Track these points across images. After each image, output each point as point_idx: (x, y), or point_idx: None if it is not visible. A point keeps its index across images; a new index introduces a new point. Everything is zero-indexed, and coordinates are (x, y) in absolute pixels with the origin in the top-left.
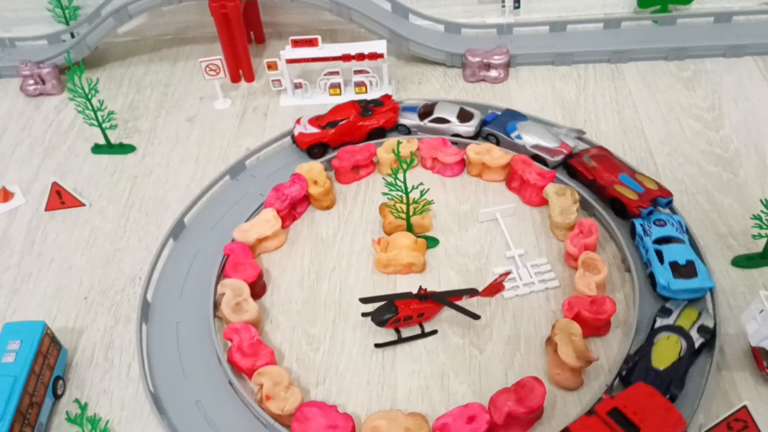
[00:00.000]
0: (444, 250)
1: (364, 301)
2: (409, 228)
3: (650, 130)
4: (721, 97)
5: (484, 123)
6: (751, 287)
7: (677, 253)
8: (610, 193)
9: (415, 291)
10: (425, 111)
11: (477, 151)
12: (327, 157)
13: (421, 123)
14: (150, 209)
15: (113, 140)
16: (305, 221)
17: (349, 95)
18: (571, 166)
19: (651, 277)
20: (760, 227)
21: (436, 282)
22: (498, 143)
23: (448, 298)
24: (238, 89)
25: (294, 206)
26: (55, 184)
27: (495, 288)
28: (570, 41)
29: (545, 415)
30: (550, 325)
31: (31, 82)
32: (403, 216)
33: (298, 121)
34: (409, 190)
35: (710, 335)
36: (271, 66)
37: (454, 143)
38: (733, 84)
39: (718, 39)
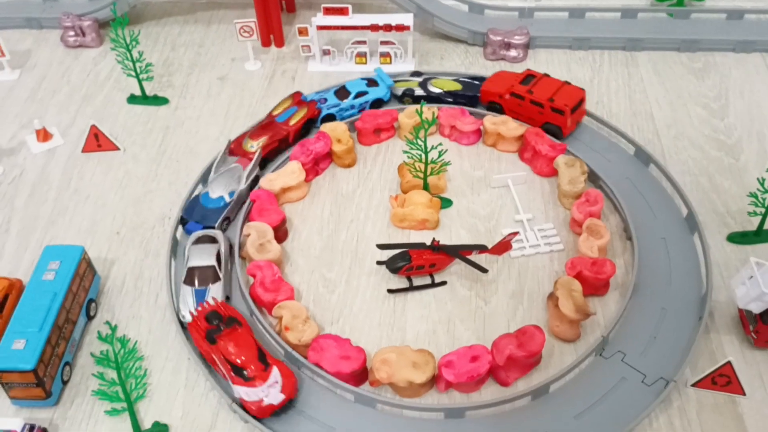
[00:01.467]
0: (456, 210)
1: (381, 246)
2: (426, 187)
3: (658, 115)
4: (728, 89)
5: (184, 222)
6: (743, 261)
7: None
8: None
9: (429, 243)
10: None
11: (494, 121)
12: (351, 118)
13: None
14: (180, 157)
15: (148, 92)
16: (327, 177)
17: (374, 64)
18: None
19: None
20: (756, 204)
21: (447, 239)
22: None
23: (459, 252)
24: (268, 53)
25: (317, 162)
26: (93, 127)
27: (503, 247)
28: (588, 27)
29: (543, 363)
30: (553, 283)
31: (72, 33)
32: (421, 175)
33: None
34: (428, 150)
35: None
36: (302, 32)
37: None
38: (741, 77)
39: (729, 34)
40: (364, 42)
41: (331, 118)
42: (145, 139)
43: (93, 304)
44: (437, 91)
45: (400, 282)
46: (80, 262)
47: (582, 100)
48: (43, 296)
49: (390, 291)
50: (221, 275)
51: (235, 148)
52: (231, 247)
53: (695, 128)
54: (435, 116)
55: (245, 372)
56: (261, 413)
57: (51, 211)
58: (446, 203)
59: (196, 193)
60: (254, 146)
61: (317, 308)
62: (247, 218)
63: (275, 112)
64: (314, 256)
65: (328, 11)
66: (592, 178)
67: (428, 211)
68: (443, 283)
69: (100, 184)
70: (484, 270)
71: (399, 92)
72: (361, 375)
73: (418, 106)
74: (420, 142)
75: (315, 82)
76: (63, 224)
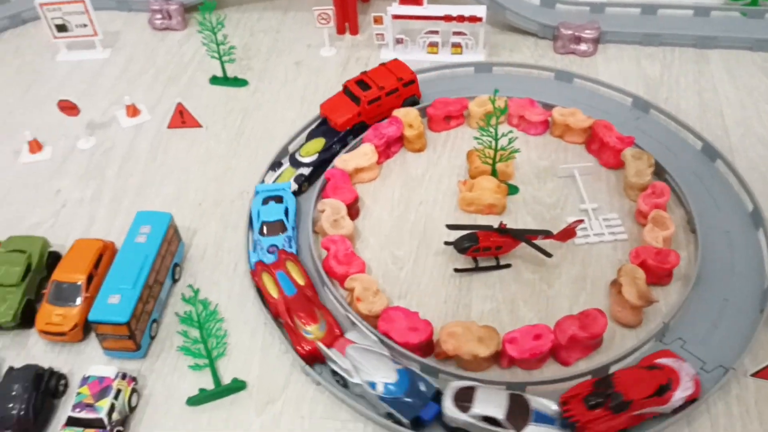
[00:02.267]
0: (523, 197)
1: (451, 227)
2: (494, 173)
3: (728, 112)
4: None
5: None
6: None
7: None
8: None
9: (496, 226)
10: None
11: (562, 113)
12: (422, 105)
13: None
14: (258, 137)
15: (229, 74)
16: (397, 161)
17: (445, 55)
18: None
19: None
20: None
21: (513, 225)
22: None
23: (525, 236)
24: (342, 40)
25: (389, 145)
26: (179, 104)
27: (568, 233)
28: (659, 24)
29: (603, 346)
30: (616, 272)
31: (159, 16)
32: (490, 161)
33: None
34: (498, 137)
35: None
36: (378, 20)
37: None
38: None
39: None
40: (437, 32)
41: None
42: (225, 119)
43: (178, 268)
44: (308, 160)
45: (467, 262)
46: (169, 228)
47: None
48: (136, 256)
49: (456, 270)
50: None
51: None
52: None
53: (765, 127)
54: (506, 105)
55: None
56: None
57: (139, 182)
58: (513, 190)
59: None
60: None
61: (386, 283)
62: (322, 195)
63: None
64: (384, 235)
65: (404, 1)
66: (659, 171)
67: (496, 196)
68: (508, 265)
69: (184, 159)
70: (548, 254)
71: (294, 186)
72: (427, 347)
73: (490, 95)
74: (491, 130)
75: None
76: (149, 195)
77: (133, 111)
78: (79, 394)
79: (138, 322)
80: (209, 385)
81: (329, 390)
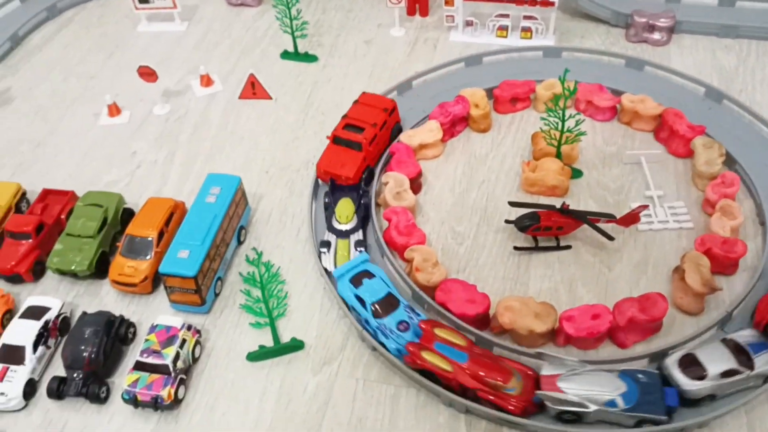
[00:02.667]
0: (586, 181)
1: (513, 204)
2: (559, 155)
3: None
4: None
5: None
6: None
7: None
8: None
9: (558, 206)
10: None
11: (631, 99)
12: (489, 86)
13: None
14: (326, 110)
15: (300, 50)
16: (462, 139)
17: (514, 39)
18: None
19: None
20: None
21: (575, 208)
22: None
23: (587, 218)
24: (412, 21)
25: (454, 124)
26: (251, 75)
27: (631, 218)
28: (737, 15)
29: (663, 331)
30: (679, 259)
31: None
32: (555, 143)
33: None
34: (565, 119)
35: None
36: (449, 2)
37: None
38: None
39: None
40: (507, 15)
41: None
42: (294, 92)
43: (243, 231)
44: (351, 225)
45: (526, 241)
46: (237, 191)
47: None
48: (206, 215)
49: (516, 248)
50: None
51: None
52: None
53: None
54: (576, 86)
55: None
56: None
57: (210, 148)
58: (577, 173)
59: None
60: None
61: (445, 257)
62: (386, 168)
63: None
64: (445, 210)
65: None
66: (729, 161)
67: (559, 178)
68: (568, 246)
69: (254, 128)
70: (610, 237)
71: (366, 254)
72: (483, 320)
73: (559, 75)
74: (559, 110)
75: (456, 51)
76: (220, 160)
77: (206, 81)
78: (147, 340)
79: (204, 277)
80: (269, 343)
81: (384, 356)
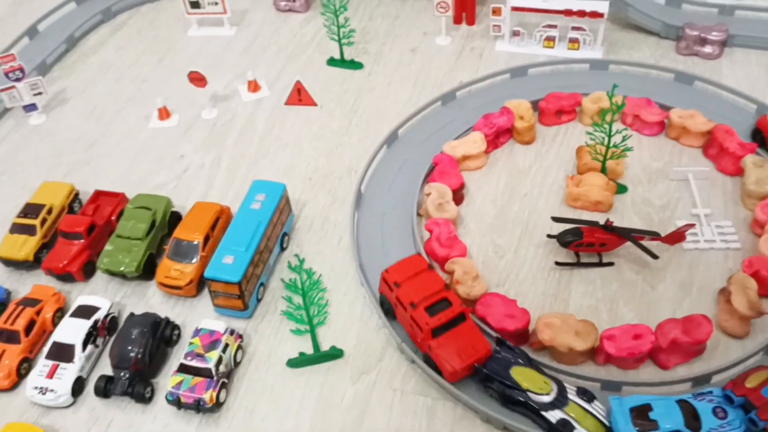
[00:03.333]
0: (631, 197)
1: (556, 219)
2: (603, 170)
3: None
4: None
5: None
6: None
7: None
8: None
9: (602, 223)
10: None
11: (680, 114)
12: (534, 98)
13: None
14: (370, 117)
15: (346, 57)
16: (505, 151)
17: (561, 50)
18: None
19: None
20: None
21: (619, 224)
22: None
23: (631, 235)
24: (458, 30)
25: (498, 135)
26: (298, 82)
27: (677, 237)
28: None
29: (706, 353)
30: (726, 280)
31: None
32: (600, 158)
33: None
34: (611, 134)
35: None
36: (496, 11)
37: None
38: None
39: None
40: (555, 26)
41: None
42: (339, 98)
43: (286, 237)
44: (550, 396)
45: (568, 257)
46: (282, 198)
47: None
48: (250, 222)
49: (557, 263)
50: None
51: None
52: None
53: None
54: (623, 102)
55: None
56: None
57: (255, 153)
58: (621, 189)
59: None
60: None
61: (485, 270)
62: (428, 179)
63: None
64: (486, 223)
65: None
66: None
67: (604, 193)
68: (611, 263)
69: (298, 134)
70: (654, 256)
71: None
72: (522, 335)
73: (607, 90)
74: (605, 125)
75: (501, 61)
76: (264, 165)
77: (254, 86)
78: (191, 344)
79: (248, 283)
80: (309, 350)
81: (422, 368)
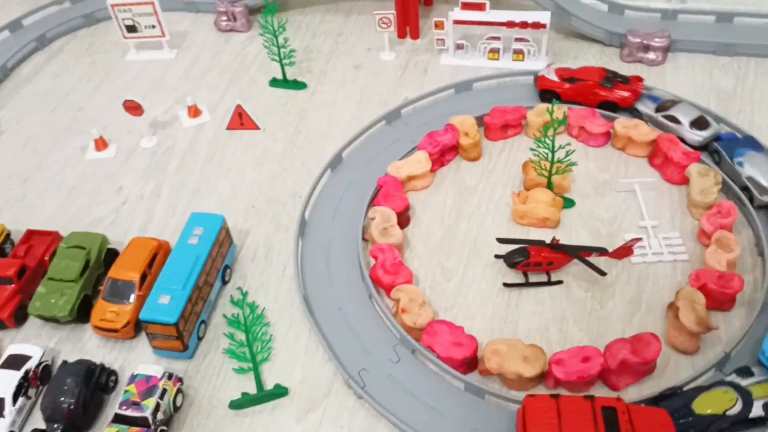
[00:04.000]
0: (579, 211)
1: (501, 240)
2: (549, 186)
3: None
4: None
5: (717, 138)
6: None
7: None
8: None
9: (548, 241)
10: (663, 106)
11: (625, 125)
12: (479, 113)
13: (654, 114)
14: (314, 139)
15: (288, 76)
16: (451, 169)
17: (506, 61)
18: None
19: None
20: None
21: (567, 239)
22: (719, 162)
23: (578, 252)
24: (403, 44)
25: (444, 153)
26: (239, 106)
27: (624, 251)
28: (735, 33)
29: (657, 372)
30: (674, 293)
31: (225, 18)
32: (546, 174)
33: (548, 65)
34: (555, 149)
35: None
36: (439, 25)
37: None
38: None
39: None
40: (498, 38)
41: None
42: (283, 120)
43: (228, 270)
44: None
45: (516, 277)
46: (220, 231)
47: None
48: (188, 258)
49: (506, 285)
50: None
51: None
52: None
53: None
54: (565, 116)
55: None
56: None
57: (196, 181)
58: (569, 203)
59: None
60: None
61: (433, 294)
62: (373, 203)
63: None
64: (434, 244)
65: (466, 6)
66: (726, 189)
67: (550, 210)
68: (559, 282)
69: (240, 160)
70: (602, 273)
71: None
72: (471, 363)
73: (549, 105)
74: (548, 141)
75: (446, 74)
76: (206, 193)
77: (194, 111)
78: (126, 392)
79: (186, 323)
80: (252, 389)
81: (370, 403)
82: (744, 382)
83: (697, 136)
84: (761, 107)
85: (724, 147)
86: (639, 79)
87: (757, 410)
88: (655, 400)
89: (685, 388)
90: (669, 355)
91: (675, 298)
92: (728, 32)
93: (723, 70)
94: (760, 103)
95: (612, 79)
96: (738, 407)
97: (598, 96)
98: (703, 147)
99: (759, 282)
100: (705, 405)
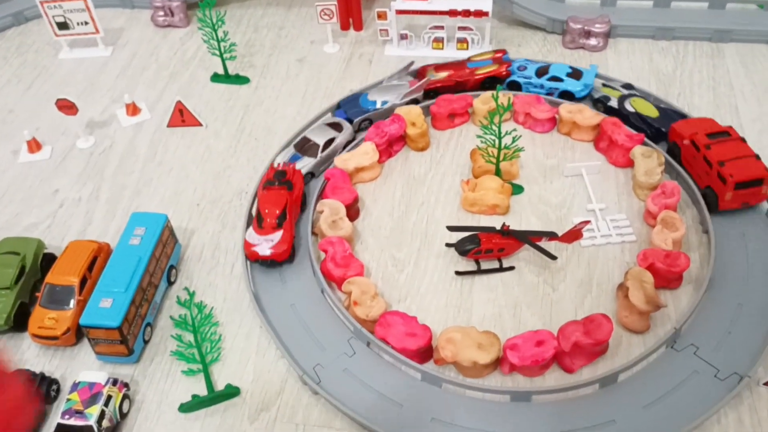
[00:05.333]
0: (528, 197)
1: (452, 228)
2: (498, 173)
3: (744, 109)
4: None
5: (338, 107)
6: None
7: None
8: (475, 80)
9: (498, 228)
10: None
11: (569, 110)
12: (426, 102)
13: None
14: (258, 135)
15: (231, 71)
16: (399, 159)
17: (450, 50)
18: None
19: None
20: None
21: (517, 225)
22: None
23: (528, 237)
24: (346, 36)
25: (391, 144)
26: (179, 103)
27: (573, 235)
28: (672, 17)
29: (610, 352)
30: (623, 274)
31: (162, 13)
32: (493, 161)
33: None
34: (501, 135)
35: None
36: (381, 15)
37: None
38: None
39: None
40: (442, 27)
41: (516, 86)
42: (226, 116)
43: (174, 270)
44: (631, 110)
45: (468, 265)
46: (164, 230)
47: (762, 180)
48: (129, 259)
49: (458, 273)
50: (319, 155)
51: (419, 73)
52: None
53: None
54: (510, 102)
55: (263, 221)
56: (249, 256)
57: (137, 182)
58: (517, 190)
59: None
60: (435, 76)
61: (385, 286)
62: (321, 195)
63: (473, 58)
64: (384, 236)
65: None
66: (669, 170)
67: (499, 196)
68: (511, 268)
69: (183, 158)
70: (553, 257)
71: (596, 95)
72: (426, 353)
73: (493, 92)
74: (494, 128)
75: (391, 65)
76: (148, 194)
77: (133, 109)
78: (68, 400)
79: (131, 326)
80: (203, 391)
81: (326, 398)
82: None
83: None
84: (700, 88)
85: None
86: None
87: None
88: None
89: (636, 368)
90: (621, 335)
91: (624, 278)
92: (666, 16)
93: (662, 54)
94: (699, 84)
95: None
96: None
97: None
98: (587, 98)
99: (704, 259)
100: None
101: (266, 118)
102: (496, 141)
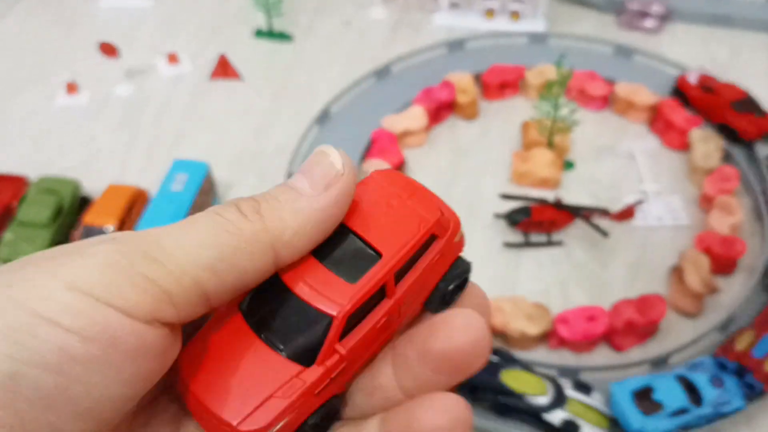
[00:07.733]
0: (578, 174)
1: (505, 196)
2: (551, 145)
3: None
4: None
5: None
6: None
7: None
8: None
9: (551, 200)
10: None
11: (625, 88)
12: (476, 71)
13: None
14: (300, 93)
15: (275, 29)
16: (446, 127)
17: (502, 22)
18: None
19: None
20: None
21: (567, 201)
22: None
23: (582, 212)
24: (395, 2)
25: (439, 110)
26: (222, 56)
27: (626, 213)
28: (733, 6)
29: (660, 334)
30: (676, 257)
31: None
32: (546, 133)
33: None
34: (558, 107)
35: None
36: None
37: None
38: None
39: None
40: None
41: None
42: (267, 73)
43: None
44: None
45: (516, 238)
46: (205, 179)
47: None
48: (171, 204)
49: (506, 244)
50: None
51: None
52: None
53: None
54: (571, 72)
55: None
56: None
57: (175, 132)
58: (568, 165)
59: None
60: None
61: None
62: (365, 157)
63: None
64: None
65: None
66: (727, 155)
67: (550, 170)
68: (560, 242)
69: (223, 111)
70: (605, 234)
71: None
72: None
73: (549, 64)
74: (551, 99)
75: (440, 34)
76: (186, 145)
77: (173, 60)
78: None
79: None
80: None
81: None
82: (573, 394)
83: None
84: (755, 80)
85: None
86: None
87: (555, 417)
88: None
89: (688, 351)
90: (671, 318)
91: (679, 260)
92: (726, 4)
93: (718, 42)
94: (753, 76)
95: (747, 104)
96: (542, 401)
97: (724, 116)
98: None
99: (758, 247)
100: (514, 379)
101: (309, 77)
102: (551, 112)
